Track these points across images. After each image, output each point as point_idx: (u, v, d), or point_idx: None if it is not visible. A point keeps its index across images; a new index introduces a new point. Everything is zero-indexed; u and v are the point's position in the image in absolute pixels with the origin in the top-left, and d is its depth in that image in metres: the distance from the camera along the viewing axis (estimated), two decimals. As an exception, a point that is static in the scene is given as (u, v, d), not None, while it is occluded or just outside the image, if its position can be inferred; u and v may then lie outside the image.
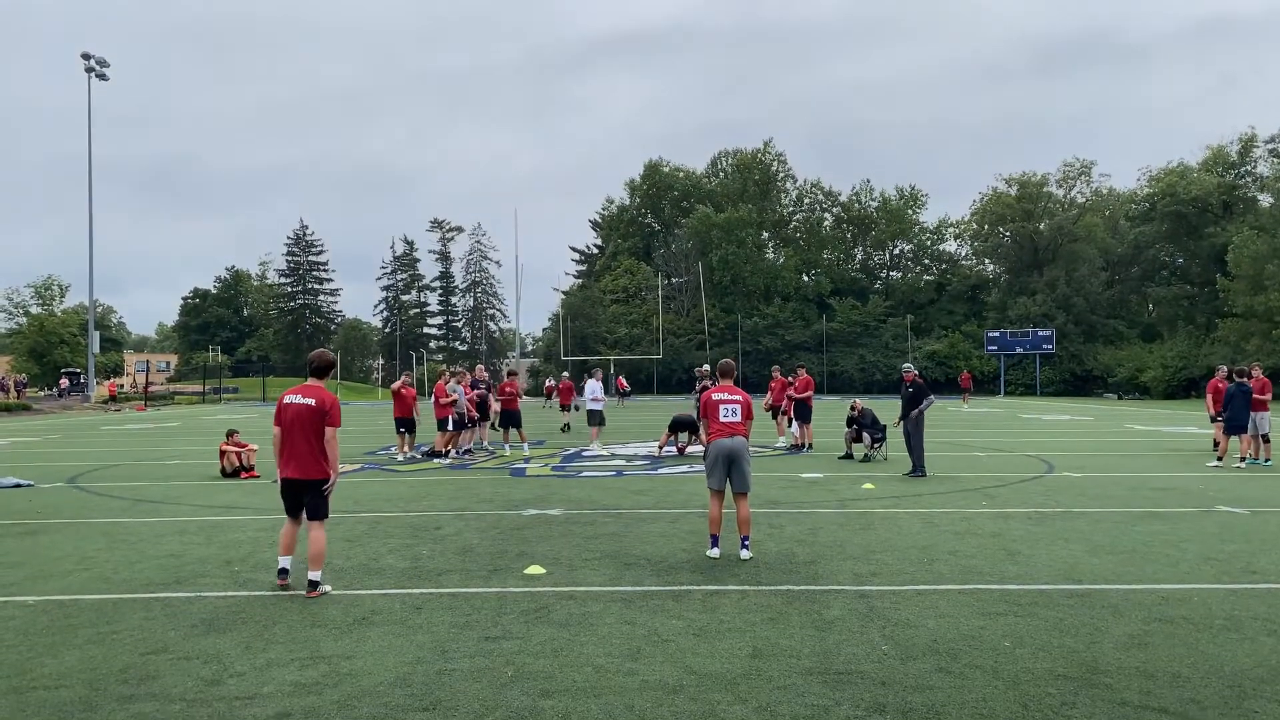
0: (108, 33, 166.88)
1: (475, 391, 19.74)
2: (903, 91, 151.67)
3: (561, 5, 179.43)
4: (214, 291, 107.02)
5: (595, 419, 21.36)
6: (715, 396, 8.75)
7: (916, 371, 15.72)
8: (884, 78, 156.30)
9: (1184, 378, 57.41)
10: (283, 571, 7.36)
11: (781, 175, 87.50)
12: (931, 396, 15.41)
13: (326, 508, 7.40)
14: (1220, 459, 16.52)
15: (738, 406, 8.66)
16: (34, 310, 77.77)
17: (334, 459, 7.33)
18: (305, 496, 7.29)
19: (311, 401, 7.27)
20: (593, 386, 21.84)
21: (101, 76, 54.87)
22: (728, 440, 8.53)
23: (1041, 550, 8.72)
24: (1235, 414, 16.19)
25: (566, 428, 26.85)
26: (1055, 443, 22.01)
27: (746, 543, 8.45)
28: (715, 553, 8.48)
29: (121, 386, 67.42)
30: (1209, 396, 18.18)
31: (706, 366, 23.63)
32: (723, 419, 8.62)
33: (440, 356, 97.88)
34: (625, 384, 51.52)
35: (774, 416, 21.20)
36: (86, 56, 54.00)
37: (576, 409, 26.34)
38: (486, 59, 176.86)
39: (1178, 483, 13.97)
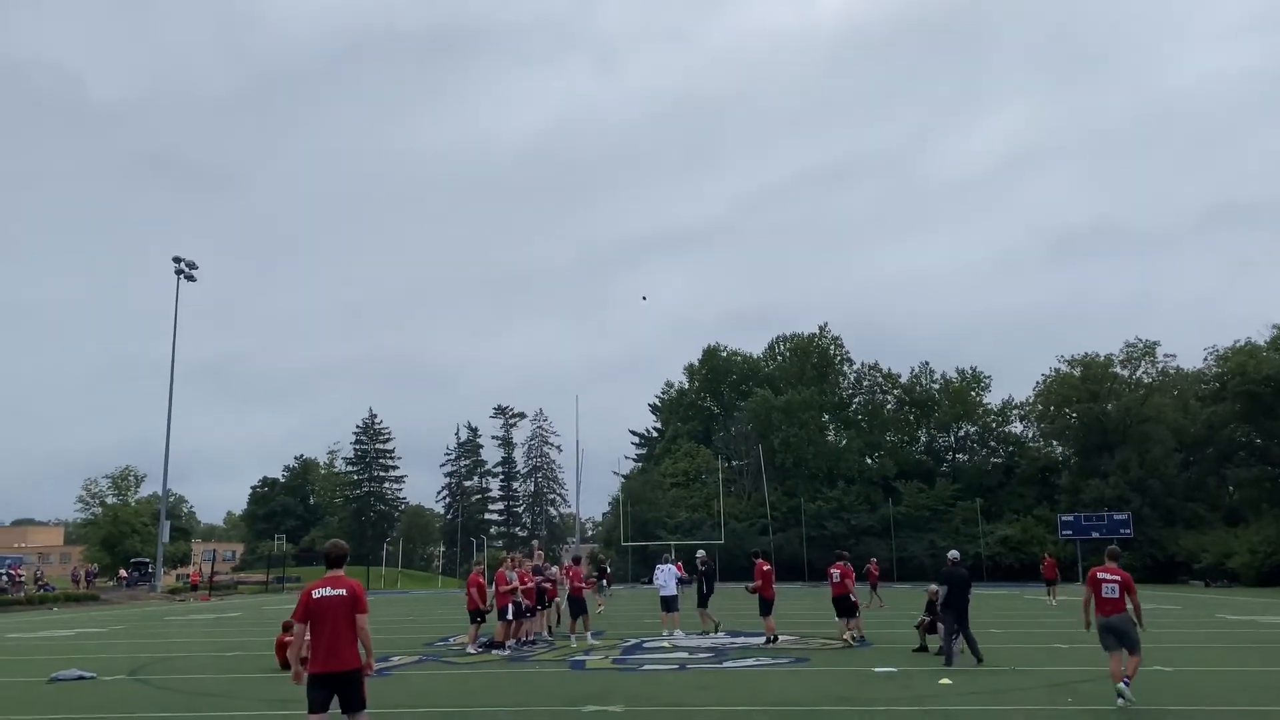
0: (185, 234, 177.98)
1: (535, 579, 19.50)
2: (941, 280, 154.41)
3: (604, 209, 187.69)
4: (282, 480, 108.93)
5: (666, 605, 21.03)
6: (1100, 575, 10.97)
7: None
8: (918, 269, 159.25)
9: (1275, 564, 54.50)
10: None
11: (839, 358, 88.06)
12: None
13: (365, 697, 7.26)
14: None
15: (1116, 585, 10.83)
16: (110, 501, 79.67)
17: (368, 644, 7.28)
18: (343, 689, 7.13)
19: (343, 591, 7.28)
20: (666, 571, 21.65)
21: (190, 278, 58.19)
22: (1106, 618, 10.85)
23: (1136, 754, 8.14)
24: None
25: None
26: (1141, 633, 20.80)
27: (1128, 681, 10.67)
28: (1121, 701, 10.50)
29: (187, 577, 67.90)
30: None
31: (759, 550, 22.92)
32: (1104, 595, 10.85)
33: (500, 543, 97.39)
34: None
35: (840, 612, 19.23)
36: (177, 260, 57.49)
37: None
38: (535, 260, 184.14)
39: (1280, 679, 13.08)
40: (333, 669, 7.12)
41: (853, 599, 18.40)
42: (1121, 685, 10.73)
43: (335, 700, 7.15)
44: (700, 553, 22.90)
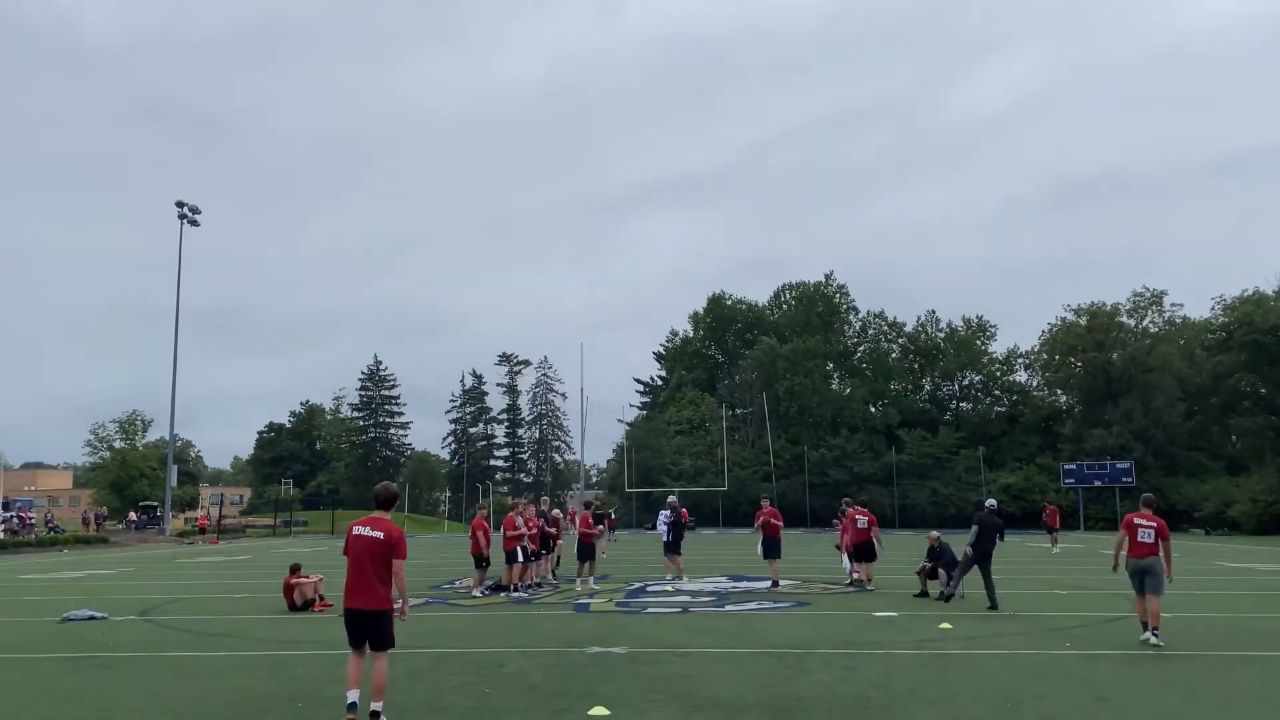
0: (187, 179, 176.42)
1: (539, 523, 19.67)
2: (947, 229, 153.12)
3: (608, 156, 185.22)
4: (288, 426, 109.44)
5: (666, 549, 21.19)
6: (1136, 520, 11.44)
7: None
8: (923, 217, 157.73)
9: (1275, 512, 54.81)
10: (351, 706, 7.22)
11: (844, 307, 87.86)
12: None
13: (392, 638, 7.42)
14: None
15: (1152, 530, 11.25)
16: (118, 445, 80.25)
17: (403, 589, 7.43)
18: (371, 627, 7.32)
19: (380, 534, 7.39)
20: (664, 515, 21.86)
21: (193, 223, 57.87)
22: (1140, 560, 11.25)
23: (1133, 696, 8.24)
24: None
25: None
26: (1168, 585, 20.96)
27: (1156, 632, 10.98)
28: (1154, 641, 10.89)
29: (195, 521, 68.66)
30: None
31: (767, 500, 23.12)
32: (1139, 539, 11.29)
33: (505, 488, 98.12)
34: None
35: (850, 557, 19.72)
36: (180, 204, 57.15)
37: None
38: (537, 206, 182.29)
39: (1277, 624, 13.19)
40: (357, 606, 7.32)
41: (876, 546, 18.77)
42: (1148, 632, 11.13)
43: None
44: (671, 498, 23.07)
